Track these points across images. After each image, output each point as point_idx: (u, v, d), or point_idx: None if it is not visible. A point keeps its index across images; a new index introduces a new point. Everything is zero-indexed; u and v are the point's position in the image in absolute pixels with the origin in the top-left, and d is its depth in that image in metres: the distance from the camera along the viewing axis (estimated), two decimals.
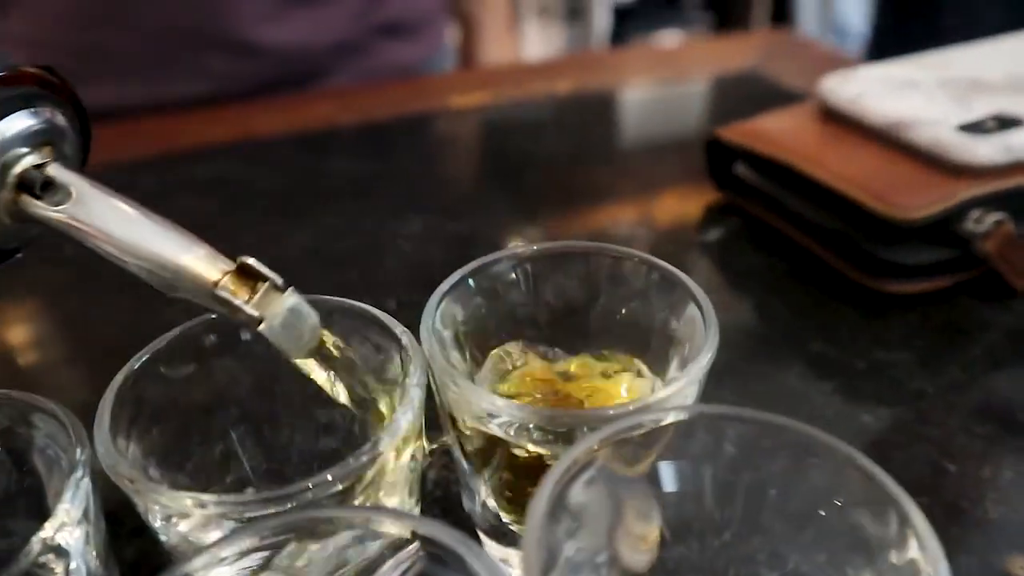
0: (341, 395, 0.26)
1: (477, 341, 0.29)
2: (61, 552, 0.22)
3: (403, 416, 0.23)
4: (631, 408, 0.23)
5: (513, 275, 0.29)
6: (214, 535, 0.22)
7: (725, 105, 0.70)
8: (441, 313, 0.27)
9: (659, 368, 0.29)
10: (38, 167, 0.23)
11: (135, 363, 0.26)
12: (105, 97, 0.73)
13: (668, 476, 0.23)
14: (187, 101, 0.73)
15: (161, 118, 0.70)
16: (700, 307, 0.27)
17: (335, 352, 0.26)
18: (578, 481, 0.21)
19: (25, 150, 0.23)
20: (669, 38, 1.88)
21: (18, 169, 0.23)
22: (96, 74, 0.72)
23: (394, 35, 0.82)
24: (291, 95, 0.74)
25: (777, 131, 0.51)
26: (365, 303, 0.28)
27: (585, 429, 0.24)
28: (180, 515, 0.22)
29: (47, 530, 0.21)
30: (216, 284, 0.23)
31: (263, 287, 0.23)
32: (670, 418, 0.22)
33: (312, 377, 0.26)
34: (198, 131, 0.68)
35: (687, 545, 0.24)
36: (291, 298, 0.24)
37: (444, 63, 0.90)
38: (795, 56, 0.81)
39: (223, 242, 0.42)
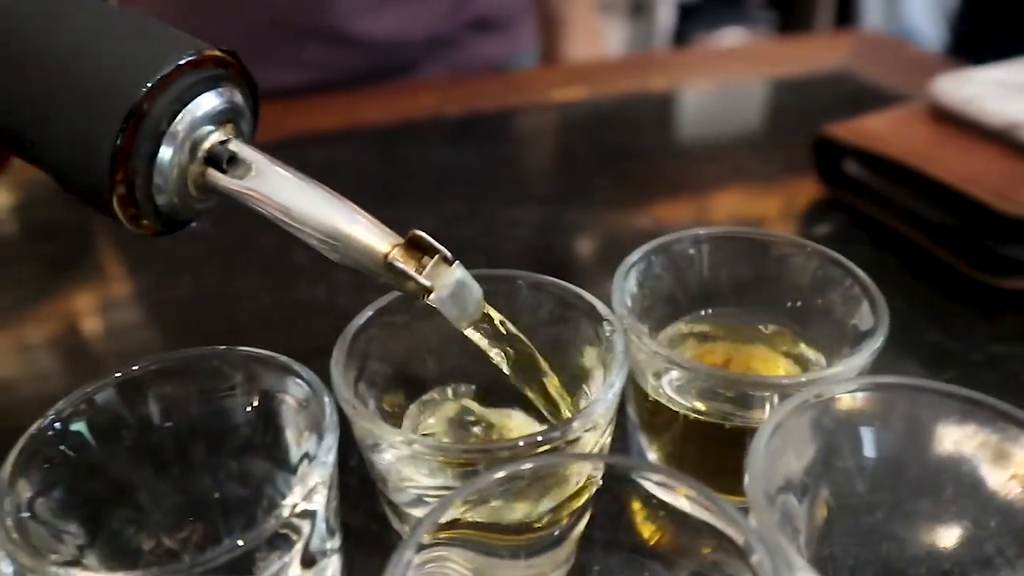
0: (503, 366, 0.28)
1: (657, 314, 0.31)
2: (308, 514, 0.24)
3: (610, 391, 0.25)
4: (803, 379, 0.25)
5: (692, 252, 0.31)
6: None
7: (820, 103, 0.71)
8: (627, 285, 0.29)
9: (821, 346, 0.31)
10: (223, 143, 0.25)
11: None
12: None
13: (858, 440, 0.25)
14: (284, 91, 0.75)
15: (271, 104, 0.72)
16: (866, 290, 0.29)
17: (500, 327, 0.27)
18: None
19: (212, 128, 0.24)
20: (732, 37, 1.88)
21: (207, 145, 0.24)
22: None
23: (483, 30, 0.84)
24: (394, 85, 0.76)
25: (888, 130, 0.52)
26: None
27: (766, 394, 0.26)
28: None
29: (298, 494, 0.23)
30: (387, 255, 0.24)
31: (433, 260, 0.25)
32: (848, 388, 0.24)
33: (479, 346, 0.27)
34: (307, 118, 0.70)
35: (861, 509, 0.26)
36: (459, 271, 0.25)
37: (528, 60, 0.92)
38: (884, 56, 0.82)
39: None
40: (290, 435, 0.28)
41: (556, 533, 0.25)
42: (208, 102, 0.24)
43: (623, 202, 0.58)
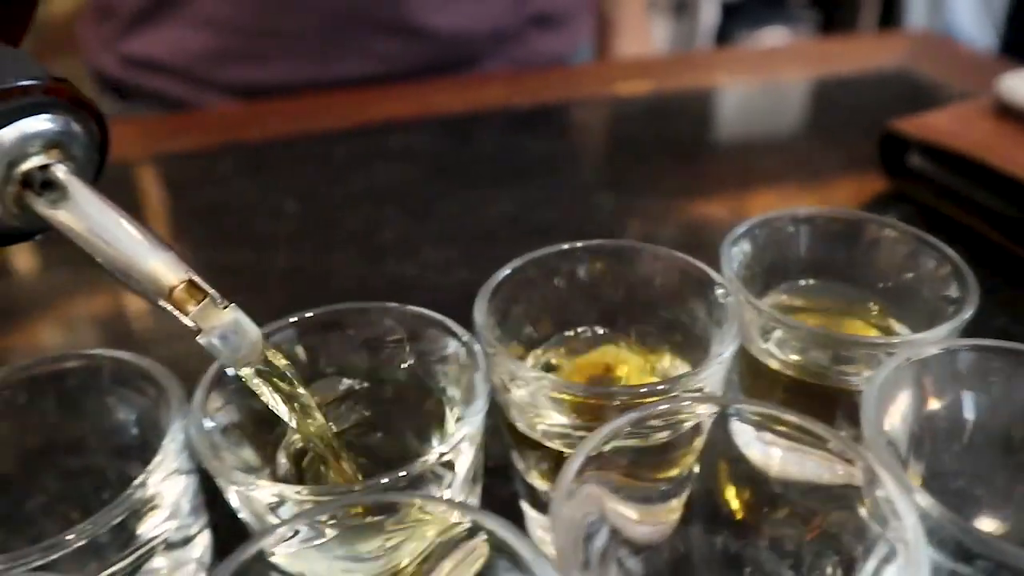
0: (280, 410, 0.28)
1: (758, 284, 0.34)
2: (450, 465, 0.27)
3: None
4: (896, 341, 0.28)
5: (791, 229, 0.34)
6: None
7: (879, 100, 0.74)
8: (734, 253, 0.32)
9: (910, 321, 0.33)
10: (43, 168, 0.24)
11: None
12: (276, 75, 0.79)
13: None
14: (351, 81, 0.78)
15: (348, 93, 0.76)
16: (955, 266, 0.31)
17: (281, 372, 0.27)
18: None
19: (35, 150, 0.24)
20: (774, 36, 1.89)
21: (25, 167, 0.24)
22: (269, 53, 0.78)
23: (544, 26, 0.87)
24: (463, 77, 0.79)
25: (952, 124, 0.55)
26: None
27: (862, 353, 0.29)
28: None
29: (447, 446, 0.26)
30: (171, 291, 0.24)
31: (203, 302, 0.25)
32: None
33: (256, 392, 0.27)
34: (382, 107, 0.73)
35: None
36: (232, 314, 0.25)
37: (584, 55, 0.94)
38: (941, 55, 0.84)
39: (426, 209, 0.49)
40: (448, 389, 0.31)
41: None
42: (34, 125, 0.24)
43: (693, 191, 0.60)
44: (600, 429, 0.24)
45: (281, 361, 0.27)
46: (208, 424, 0.28)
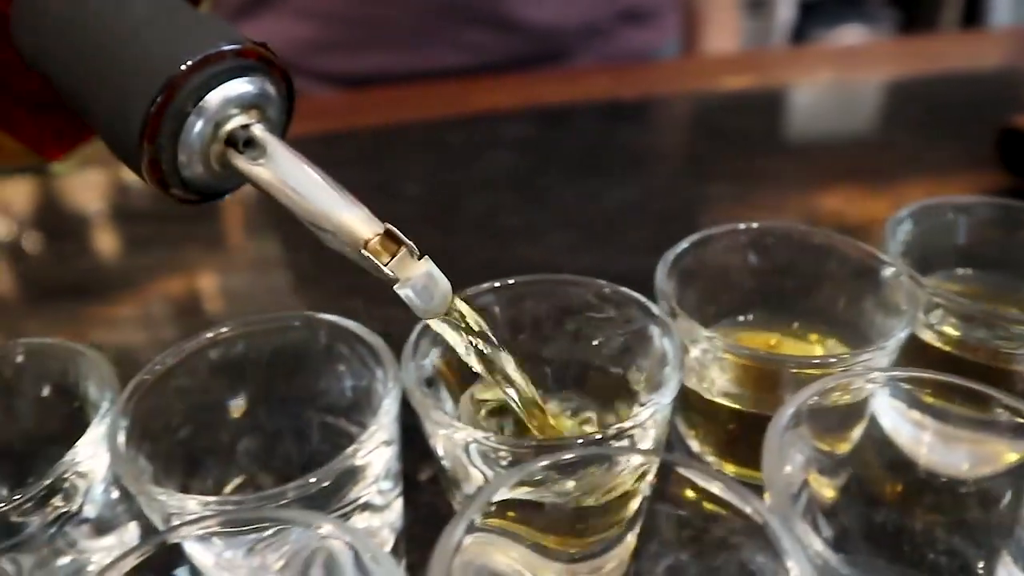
0: (471, 361, 0.29)
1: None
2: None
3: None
4: None
5: (950, 216, 0.35)
6: None
7: (990, 97, 0.73)
8: (898, 235, 0.34)
9: None
10: (245, 127, 0.26)
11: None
12: (373, 65, 0.81)
13: None
14: (445, 72, 0.80)
15: (451, 83, 0.78)
16: None
17: (468, 319, 0.28)
18: None
19: (237, 111, 0.26)
20: (852, 35, 1.87)
21: (229, 126, 0.26)
22: (367, 44, 0.80)
23: (633, 21, 0.87)
24: (561, 69, 0.80)
25: None
26: None
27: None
28: None
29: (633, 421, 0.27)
30: (366, 243, 0.25)
31: (402, 252, 0.26)
32: None
33: (447, 339, 0.29)
34: (484, 97, 0.75)
35: None
36: (425, 265, 0.26)
37: (671, 51, 0.95)
38: None
39: (543, 196, 0.50)
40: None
41: (604, 540, 0.27)
42: (238, 87, 0.26)
43: (807, 184, 0.61)
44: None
45: (471, 313, 0.28)
46: (416, 375, 0.29)
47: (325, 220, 0.25)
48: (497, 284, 0.33)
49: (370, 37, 0.80)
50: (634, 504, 0.26)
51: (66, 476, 0.27)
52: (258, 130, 0.26)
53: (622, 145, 0.67)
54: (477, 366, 0.29)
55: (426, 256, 0.26)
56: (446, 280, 0.27)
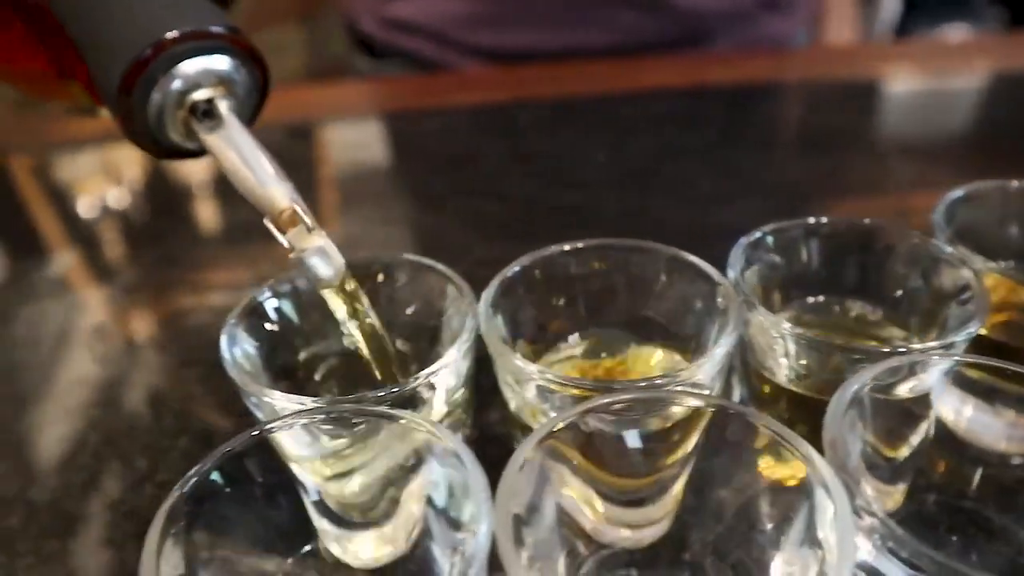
0: (352, 333, 0.31)
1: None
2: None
3: None
4: None
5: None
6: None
7: None
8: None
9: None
10: (209, 100, 0.29)
11: None
12: (523, 42, 0.84)
13: None
14: (591, 51, 0.83)
15: (624, 61, 0.81)
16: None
17: (356, 299, 0.31)
18: None
19: (205, 84, 0.29)
20: (956, 33, 1.86)
21: (195, 96, 0.29)
22: (519, 20, 0.83)
23: (771, 9, 0.90)
24: (725, 53, 0.83)
25: None
26: None
27: None
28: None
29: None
30: (277, 215, 0.29)
31: (297, 227, 0.29)
32: None
33: (332, 307, 0.31)
34: (653, 75, 0.78)
35: None
36: (319, 240, 0.29)
37: (801, 39, 0.97)
38: None
39: (730, 168, 0.55)
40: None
41: (655, 483, 0.29)
42: (211, 63, 0.29)
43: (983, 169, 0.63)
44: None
45: (354, 286, 0.31)
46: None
47: (250, 191, 0.29)
48: (580, 245, 0.35)
49: (523, 14, 0.83)
50: (685, 450, 0.28)
51: (419, 387, 0.30)
52: (220, 104, 0.30)
53: (794, 125, 0.70)
54: (355, 332, 0.31)
55: (319, 230, 0.29)
56: (340, 257, 0.30)
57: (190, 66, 0.29)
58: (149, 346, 0.47)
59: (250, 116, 0.32)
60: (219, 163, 0.30)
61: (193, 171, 0.68)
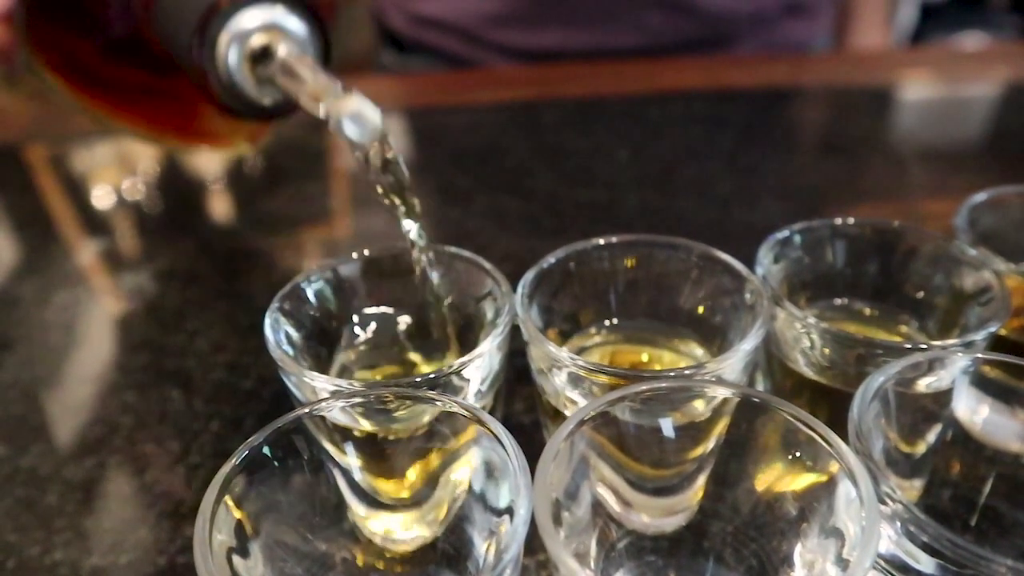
0: (412, 231, 0.34)
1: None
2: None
3: None
4: None
5: None
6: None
7: None
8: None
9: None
10: (265, 45, 0.35)
11: None
12: (550, 41, 0.84)
13: None
14: (618, 51, 0.84)
15: (648, 62, 0.82)
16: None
17: (390, 158, 0.32)
18: None
19: (263, 33, 0.35)
20: (972, 41, 1.86)
21: (254, 41, 0.35)
22: (548, 20, 0.83)
23: (795, 13, 0.90)
24: (747, 57, 0.84)
25: None
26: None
27: None
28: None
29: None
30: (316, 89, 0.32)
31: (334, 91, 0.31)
32: None
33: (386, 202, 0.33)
34: (676, 77, 0.79)
35: None
36: (354, 102, 0.30)
37: (823, 44, 0.97)
38: None
39: (753, 169, 0.60)
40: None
41: (679, 474, 0.29)
42: (266, 14, 0.35)
43: (995, 175, 0.64)
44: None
45: (393, 148, 0.32)
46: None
47: (289, 87, 0.33)
48: (602, 241, 0.37)
49: (551, 13, 0.83)
50: (710, 442, 0.29)
51: (451, 376, 0.30)
52: (280, 49, 0.34)
53: (815, 128, 0.71)
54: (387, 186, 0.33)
55: (354, 90, 0.31)
56: (376, 117, 0.31)
57: (248, 16, 0.35)
58: (178, 332, 0.48)
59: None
60: (283, 88, 0.34)
61: (213, 159, 0.69)
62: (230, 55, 0.35)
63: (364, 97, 0.30)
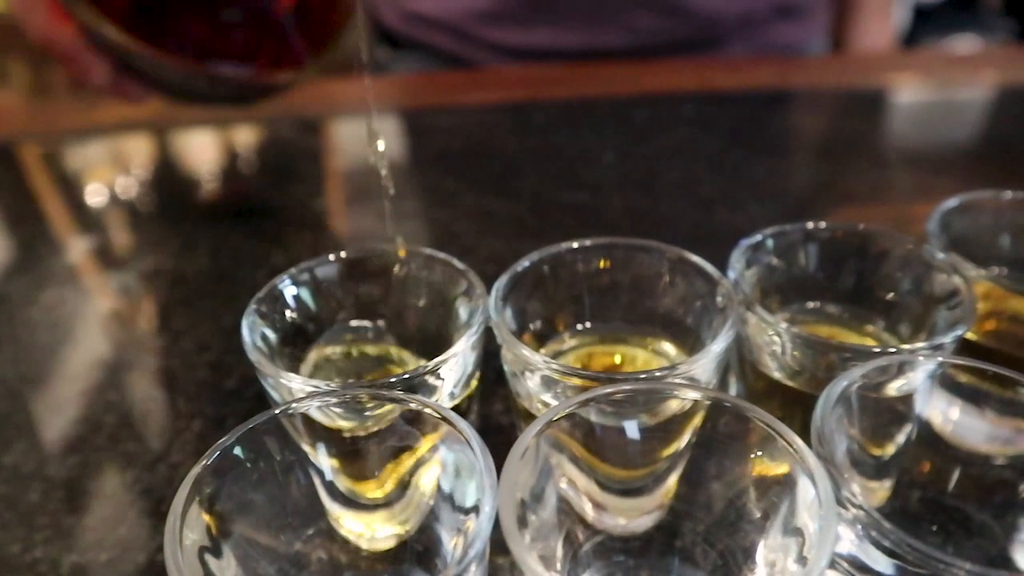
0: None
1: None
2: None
3: None
4: None
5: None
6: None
7: None
8: None
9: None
10: None
11: None
12: (541, 41, 0.85)
13: None
14: (609, 51, 0.84)
15: (634, 64, 0.82)
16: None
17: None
18: None
19: None
20: (965, 44, 1.87)
21: None
22: (539, 19, 0.84)
23: (787, 15, 0.90)
24: (735, 59, 0.84)
25: None
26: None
27: None
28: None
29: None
30: None
31: None
32: None
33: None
34: (662, 79, 0.80)
35: None
36: None
37: (817, 47, 0.98)
38: None
39: (738, 171, 0.59)
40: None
41: (650, 475, 0.30)
42: None
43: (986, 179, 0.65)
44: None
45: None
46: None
47: None
48: (588, 243, 0.37)
49: (543, 12, 0.84)
50: (681, 441, 0.29)
51: (426, 375, 0.30)
52: None
53: (800, 132, 0.71)
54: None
55: None
56: None
57: None
58: (163, 331, 0.49)
59: None
60: None
61: (205, 159, 0.69)
62: None
63: None
